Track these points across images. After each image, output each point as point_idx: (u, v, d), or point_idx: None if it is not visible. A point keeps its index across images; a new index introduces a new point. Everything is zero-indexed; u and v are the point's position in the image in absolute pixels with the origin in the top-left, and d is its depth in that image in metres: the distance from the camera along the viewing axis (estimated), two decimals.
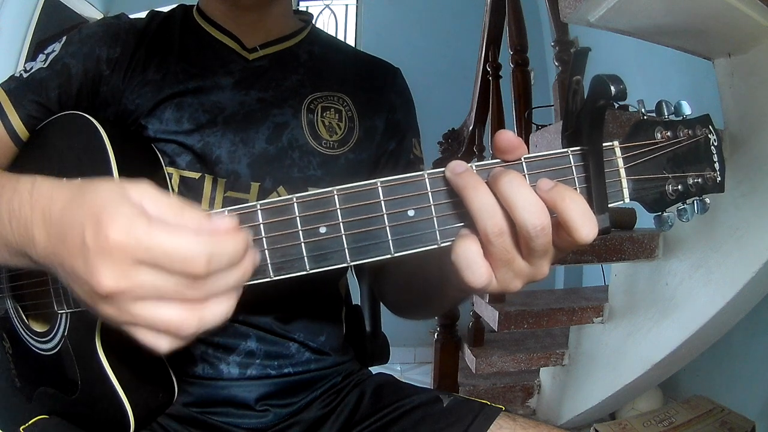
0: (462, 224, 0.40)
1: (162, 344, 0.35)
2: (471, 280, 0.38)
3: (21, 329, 0.62)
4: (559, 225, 0.38)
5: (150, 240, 0.32)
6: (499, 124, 1.83)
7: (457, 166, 0.39)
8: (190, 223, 0.34)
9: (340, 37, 3.37)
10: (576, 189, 0.40)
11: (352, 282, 0.83)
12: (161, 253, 0.32)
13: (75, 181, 0.38)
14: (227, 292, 0.35)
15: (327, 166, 0.67)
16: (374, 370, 0.78)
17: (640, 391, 1.70)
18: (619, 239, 1.44)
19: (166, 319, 0.34)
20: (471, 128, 2.11)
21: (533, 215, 0.36)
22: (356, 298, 0.90)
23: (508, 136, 0.39)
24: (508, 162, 0.40)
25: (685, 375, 1.82)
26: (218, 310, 0.35)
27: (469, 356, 1.81)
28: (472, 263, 0.37)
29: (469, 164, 0.40)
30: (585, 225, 0.37)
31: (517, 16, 1.75)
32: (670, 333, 1.39)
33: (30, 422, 0.58)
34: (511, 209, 0.37)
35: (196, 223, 0.34)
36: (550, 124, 1.66)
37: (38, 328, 0.60)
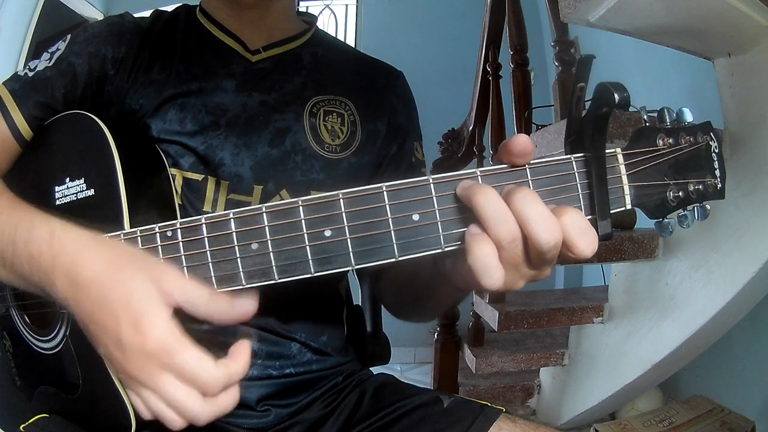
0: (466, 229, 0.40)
1: (145, 416, 0.42)
2: (487, 284, 0.37)
3: (22, 328, 0.62)
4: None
5: (181, 360, 0.39)
6: (499, 124, 1.82)
7: (465, 182, 0.40)
8: (220, 310, 0.41)
9: (340, 37, 3.37)
10: (579, 195, 0.41)
11: (353, 282, 0.84)
12: (188, 373, 0.39)
13: (98, 244, 0.43)
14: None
15: (329, 170, 0.67)
16: (375, 370, 0.78)
17: (640, 391, 1.70)
18: (619, 239, 1.44)
19: (160, 412, 0.41)
20: (471, 128, 2.11)
21: (548, 231, 0.36)
22: (357, 299, 0.90)
23: (525, 141, 0.39)
24: (513, 167, 0.40)
25: (685, 375, 1.83)
26: (206, 419, 0.41)
27: (469, 356, 1.81)
28: (489, 268, 0.37)
29: (475, 170, 0.40)
30: (581, 240, 0.37)
31: (517, 16, 1.75)
32: (670, 333, 1.39)
33: (30, 421, 0.58)
34: (525, 224, 0.37)
35: (225, 310, 0.41)
36: (550, 124, 1.66)
37: (39, 327, 0.60)
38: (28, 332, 0.61)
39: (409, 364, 3.02)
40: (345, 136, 0.69)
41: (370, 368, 0.80)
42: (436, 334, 1.93)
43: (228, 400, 0.41)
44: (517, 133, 1.66)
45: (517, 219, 0.37)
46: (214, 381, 0.39)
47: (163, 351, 0.39)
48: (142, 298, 0.39)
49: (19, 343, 0.62)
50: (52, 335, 0.57)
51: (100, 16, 3.02)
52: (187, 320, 0.63)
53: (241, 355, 0.41)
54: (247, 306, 0.41)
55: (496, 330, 1.63)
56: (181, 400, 0.39)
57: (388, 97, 0.74)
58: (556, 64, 1.75)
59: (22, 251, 0.44)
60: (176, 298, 0.40)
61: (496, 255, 0.37)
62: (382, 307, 0.90)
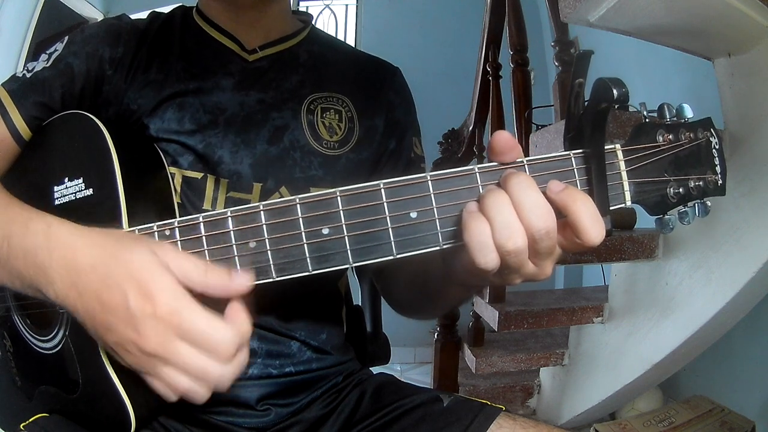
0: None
1: (171, 398, 0.41)
2: (481, 262, 0.38)
3: (22, 328, 0.62)
4: (567, 227, 0.38)
5: (192, 323, 0.39)
6: (499, 124, 1.82)
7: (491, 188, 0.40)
8: (216, 283, 0.40)
9: (340, 37, 3.37)
10: None
11: (353, 282, 0.84)
12: (201, 337, 0.39)
13: (94, 232, 0.43)
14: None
15: (328, 166, 0.67)
16: (375, 370, 0.78)
17: (640, 391, 1.70)
18: (619, 239, 1.44)
19: (184, 387, 0.40)
20: (471, 128, 2.11)
21: (540, 218, 0.37)
22: (357, 298, 0.90)
23: (504, 137, 0.40)
24: (507, 164, 0.40)
25: (685, 375, 1.83)
26: (228, 382, 0.41)
27: (469, 356, 1.81)
28: (485, 246, 0.38)
29: (473, 167, 0.40)
30: (594, 227, 0.38)
31: (517, 16, 1.75)
32: (670, 333, 1.38)
33: (30, 420, 0.58)
34: (518, 210, 0.37)
35: (221, 283, 0.40)
36: (550, 124, 1.66)
37: (39, 327, 0.60)
38: (28, 332, 0.61)
39: (409, 364, 3.02)
40: (343, 132, 0.69)
41: (370, 368, 0.80)
42: (436, 334, 1.93)
43: (242, 358, 0.41)
44: (517, 133, 1.66)
45: (513, 204, 0.37)
46: (228, 342, 0.39)
47: (175, 313, 0.38)
48: (146, 266, 0.39)
49: (19, 343, 0.62)
50: (52, 335, 0.57)
51: (100, 16, 3.03)
52: None
53: (239, 311, 0.41)
54: (243, 280, 0.41)
55: (496, 330, 1.63)
56: (201, 366, 0.39)
57: (386, 93, 0.74)
58: (556, 64, 1.75)
59: (17, 247, 0.44)
60: (173, 269, 0.40)
61: (491, 234, 0.37)
62: (382, 306, 0.90)
